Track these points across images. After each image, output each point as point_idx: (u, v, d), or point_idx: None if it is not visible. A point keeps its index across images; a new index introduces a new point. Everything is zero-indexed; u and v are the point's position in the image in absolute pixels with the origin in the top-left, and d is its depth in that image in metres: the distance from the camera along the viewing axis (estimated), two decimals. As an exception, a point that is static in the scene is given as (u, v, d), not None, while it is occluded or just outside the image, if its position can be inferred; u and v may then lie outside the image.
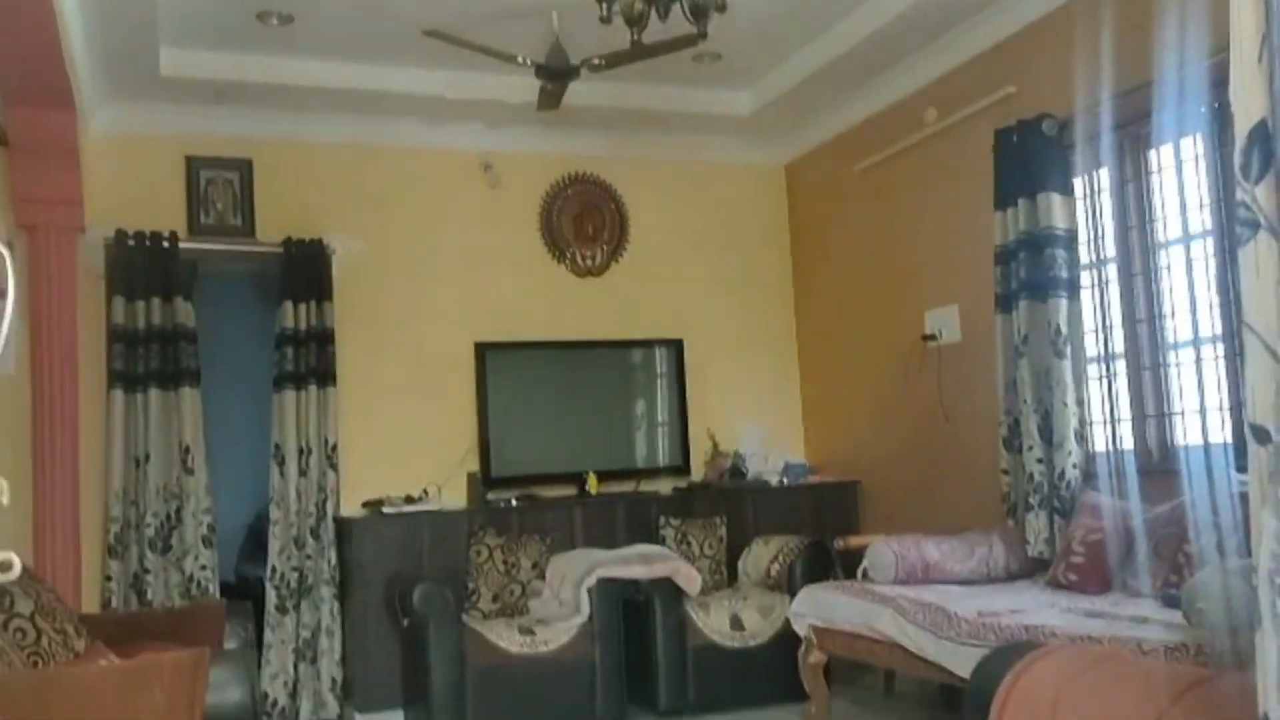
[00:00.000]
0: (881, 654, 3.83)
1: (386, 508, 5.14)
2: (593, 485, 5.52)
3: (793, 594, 5.03)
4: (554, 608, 4.82)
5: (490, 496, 5.41)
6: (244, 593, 7.20)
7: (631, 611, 4.87)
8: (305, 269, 5.38)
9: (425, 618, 4.51)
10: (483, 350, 5.58)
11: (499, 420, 5.55)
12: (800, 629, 4.29)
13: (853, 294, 5.97)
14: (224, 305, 7.36)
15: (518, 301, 5.86)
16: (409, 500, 5.23)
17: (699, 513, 5.53)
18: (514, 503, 5.36)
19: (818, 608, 4.19)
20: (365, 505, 5.26)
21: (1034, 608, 3.51)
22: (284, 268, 5.37)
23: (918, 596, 3.77)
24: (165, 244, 5.15)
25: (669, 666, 4.83)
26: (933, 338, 5.29)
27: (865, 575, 4.25)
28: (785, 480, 5.92)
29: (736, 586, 5.39)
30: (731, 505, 5.64)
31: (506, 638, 4.63)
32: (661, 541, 5.34)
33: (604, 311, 6.00)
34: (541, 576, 5.06)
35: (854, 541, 4.53)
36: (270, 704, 5.12)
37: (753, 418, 6.18)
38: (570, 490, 5.58)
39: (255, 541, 6.81)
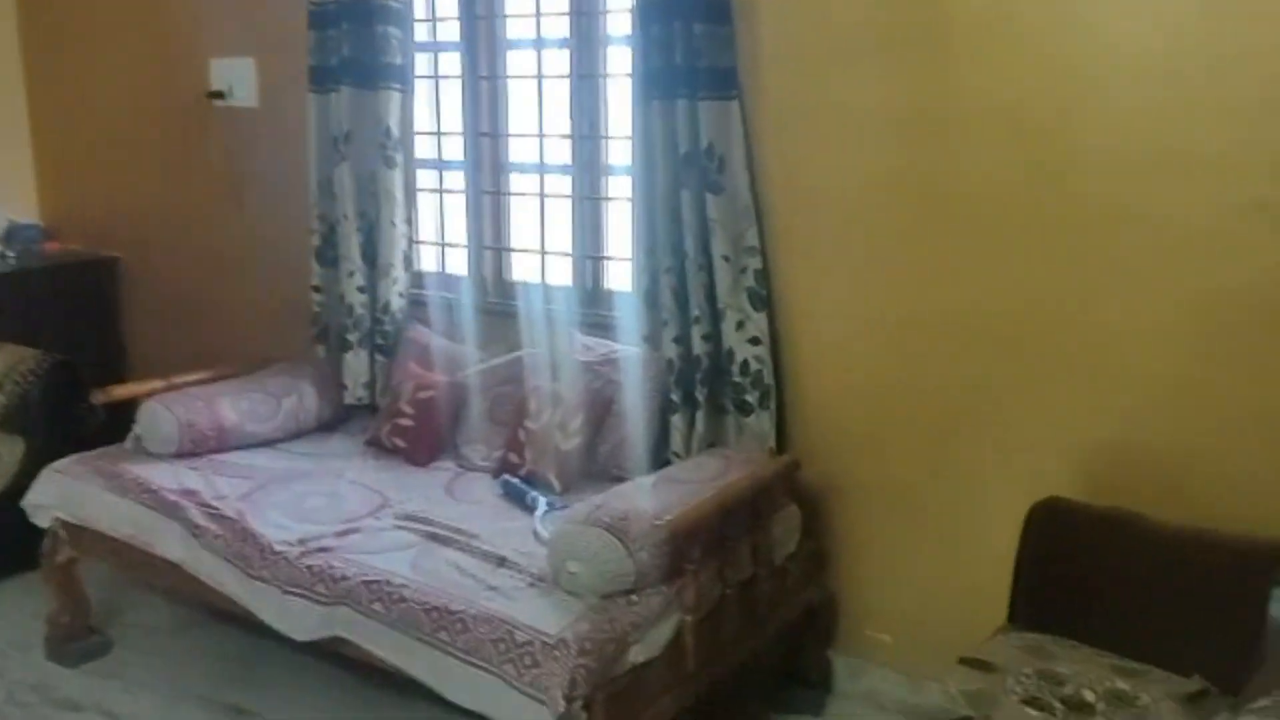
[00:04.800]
0: (168, 576, 2.94)
1: None
2: None
3: (26, 434, 3.84)
4: None
5: None
6: None
7: None
8: None
9: None
10: None
11: None
12: (43, 522, 3.18)
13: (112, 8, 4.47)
14: None
15: None
16: None
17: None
18: None
19: (70, 503, 3.11)
20: None
21: (365, 510, 2.88)
22: None
23: (215, 497, 2.90)
24: None
25: None
26: (220, 95, 4.13)
27: (139, 441, 3.26)
28: (10, 253, 4.48)
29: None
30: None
31: None
32: None
33: None
34: None
35: (119, 393, 3.45)
36: None
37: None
38: None
39: None
